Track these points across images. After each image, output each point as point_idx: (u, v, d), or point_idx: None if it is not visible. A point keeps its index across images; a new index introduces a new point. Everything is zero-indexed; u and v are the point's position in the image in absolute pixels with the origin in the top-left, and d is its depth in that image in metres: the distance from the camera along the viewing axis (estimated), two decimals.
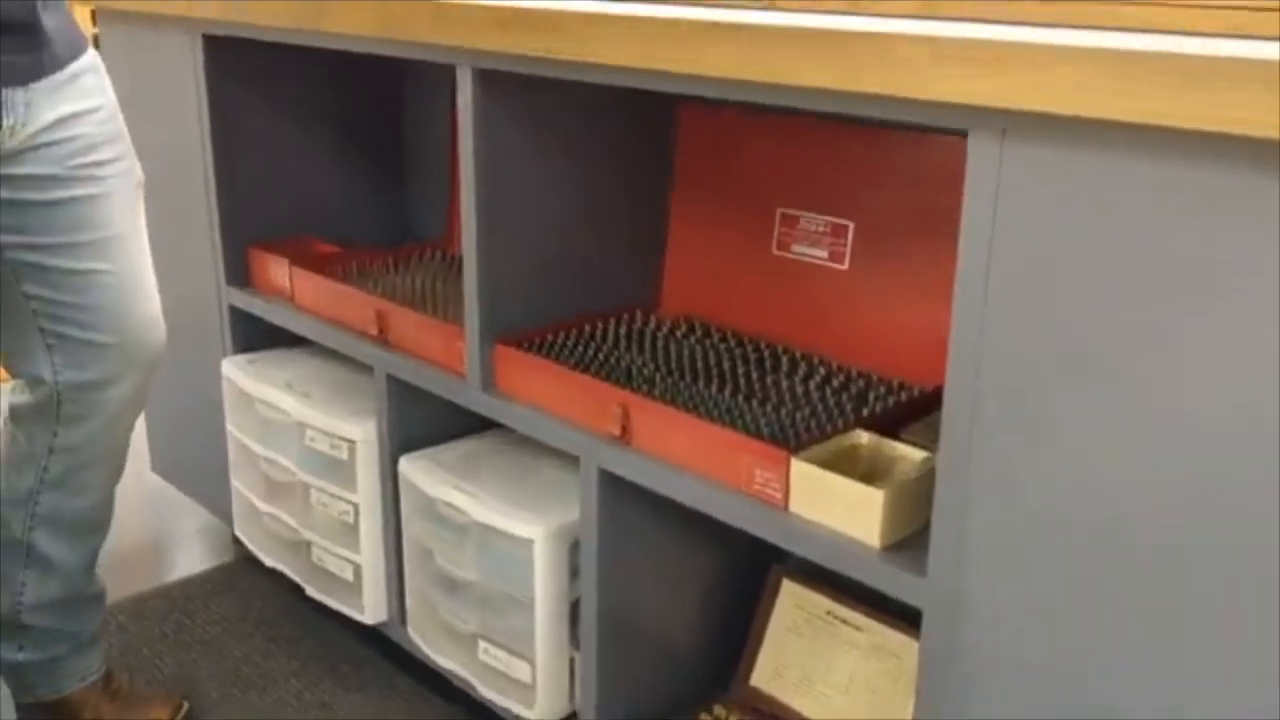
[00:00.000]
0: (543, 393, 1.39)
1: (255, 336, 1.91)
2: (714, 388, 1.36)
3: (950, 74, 0.86)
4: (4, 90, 1.25)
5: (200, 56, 1.76)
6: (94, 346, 1.42)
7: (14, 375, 1.46)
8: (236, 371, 1.86)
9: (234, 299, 1.88)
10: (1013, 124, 0.87)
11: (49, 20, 1.28)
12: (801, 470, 1.14)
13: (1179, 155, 0.79)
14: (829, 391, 1.34)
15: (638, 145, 1.52)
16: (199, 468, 2.10)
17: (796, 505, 1.15)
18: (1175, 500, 0.85)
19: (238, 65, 1.78)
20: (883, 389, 1.34)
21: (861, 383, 1.36)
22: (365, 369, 1.70)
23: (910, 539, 1.11)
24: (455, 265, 1.86)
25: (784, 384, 1.36)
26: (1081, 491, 0.90)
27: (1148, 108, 0.77)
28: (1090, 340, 0.87)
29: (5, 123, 1.26)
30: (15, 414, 1.48)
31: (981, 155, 0.90)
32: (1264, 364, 0.79)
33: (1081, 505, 0.90)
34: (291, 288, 1.78)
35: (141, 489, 2.33)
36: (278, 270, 1.80)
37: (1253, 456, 0.80)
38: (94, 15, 2.08)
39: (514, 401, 1.43)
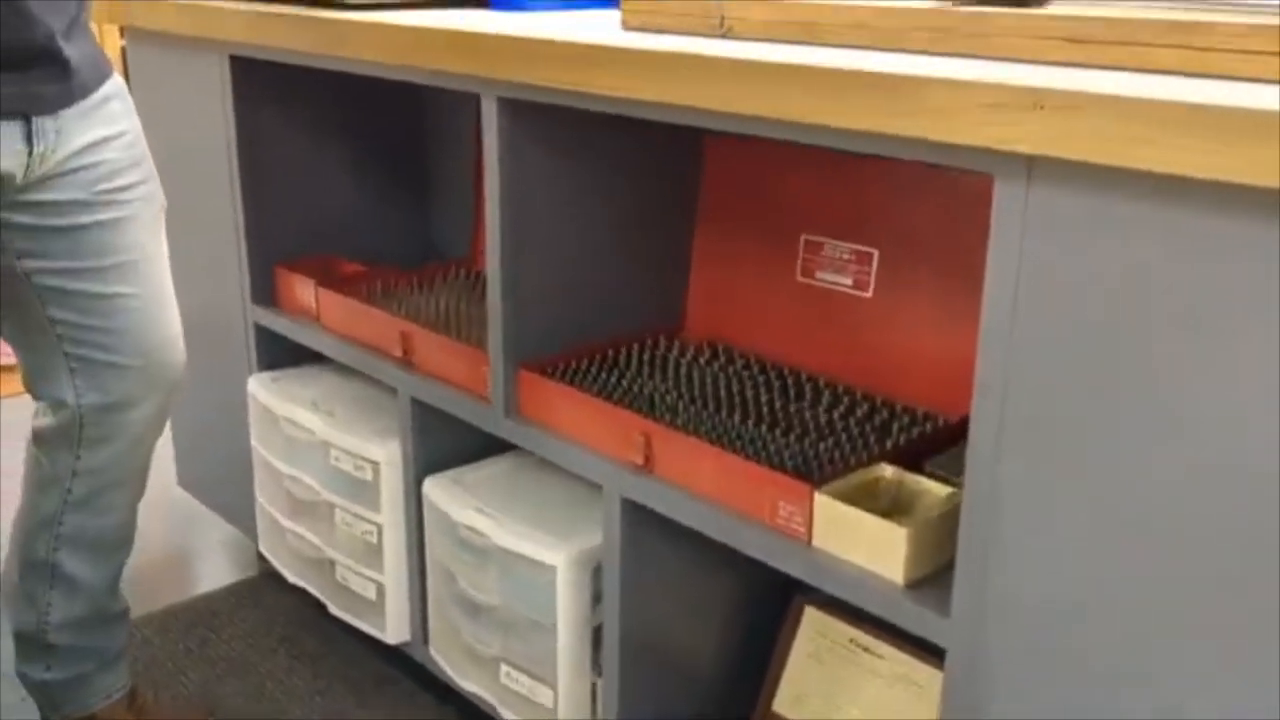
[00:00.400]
0: (566, 419, 1.39)
1: (280, 353, 1.92)
2: (737, 417, 1.36)
3: (976, 120, 0.86)
4: (34, 119, 1.26)
5: (227, 77, 1.77)
6: (116, 369, 1.43)
7: (36, 397, 1.48)
8: (261, 389, 1.86)
9: (259, 317, 1.89)
10: (1038, 169, 0.86)
11: (73, 49, 1.28)
12: (825, 505, 1.14)
13: (1199, 203, 0.79)
14: (853, 421, 1.33)
15: (663, 170, 1.52)
16: (224, 483, 2.11)
17: (820, 539, 1.15)
18: (1207, 539, 0.84)
19: (264, 85, 1.79)
20: (907, 419, 1.34)
21: (885, 412, 1.36)
22: (390, 387, 1.71)
23: (935, 575, 1.10)
24: (479, 284, 1.86)
25: (807, 413, 1.36)
26: (1109, 531, 0.90)
27: (1167, 158, 0.77)
28: (1116, 381, 0.87)
29: (35, 150, 1.27)
30: (38, 437, 1.49)
31: (1007, 198, 0.89)
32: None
33: (1109, 545, 0.90)
34: (317, 308, 1.79)
35: (166, 501, 2.34)
36: (304, 290, 1.81)
37: None
38: (122, 31, 2.10)
39: (538, 427, 1.43)
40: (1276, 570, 0.81)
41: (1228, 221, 0.78)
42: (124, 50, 2.17)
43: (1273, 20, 0.85)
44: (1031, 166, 0.87)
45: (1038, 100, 0.82)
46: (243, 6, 1.65)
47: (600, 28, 1.33)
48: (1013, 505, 0.95)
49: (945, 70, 0.92)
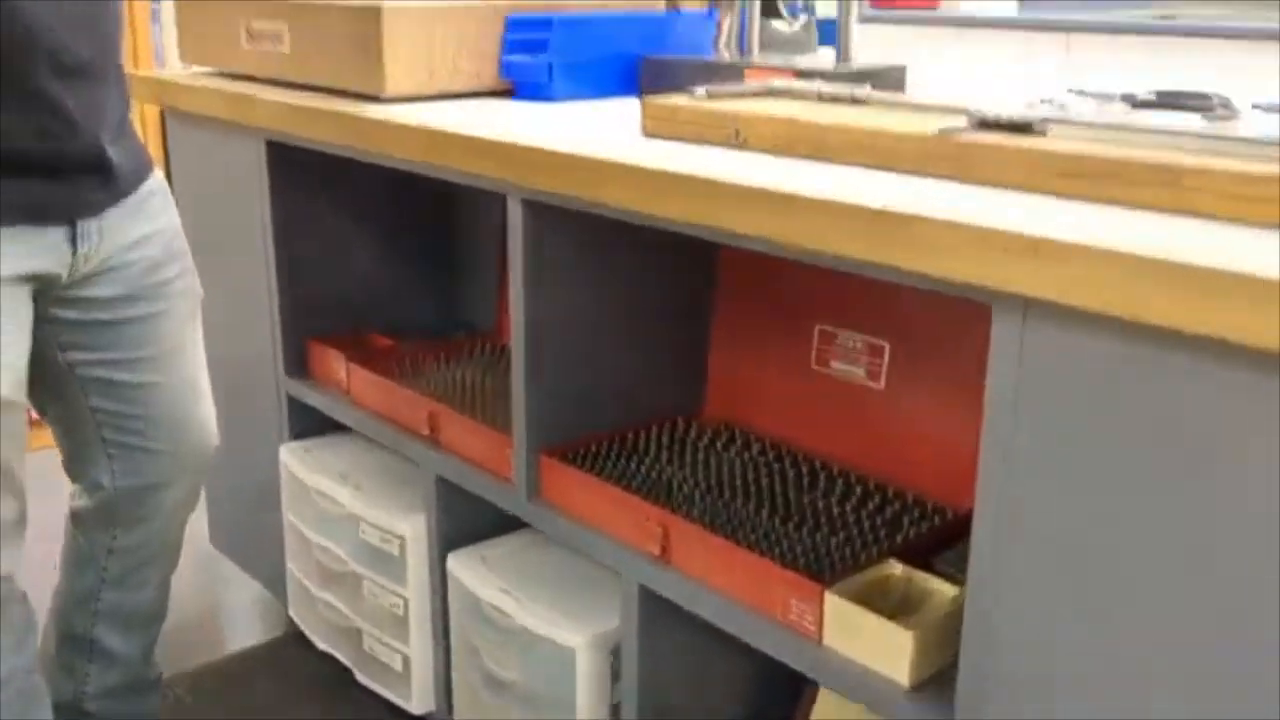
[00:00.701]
0: (586, 506, 1.43)
1: (311, 421, 1.97)
2: (752, 506, 1.39)
3: (971, 259, 0.90)
4: (79, 222, 1.31)
5: (264, 159, 1.83)
6: (151, 454, 1.48)
7: (74, 480, 1.53)
8: (293, 459, 1.92)
9: (292, 389, 1.94)
10: (1032, 306, 0.90)
11: (116, 151, 1.34)
12: (835, 605, 1.18)
13: (1188, 352, 0.82)
14: (864, 514, 1.37)
15: (681, 260, 1.57)
16: (254, 544, 2.16)
17: (830, 638, 1.18)
18: (1208, 648, 0.87)
19: (300, 167, 1.85)
20: (917, 511, 1.37)
21: (896, 504, 1.39)
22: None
23: (940, 675, 1.13)
24: (503, 358, 1.91)
25: (820, 503, 1.39)
26: (1110, 643, 0.93)
27: (1157, 311, 0.80)
28: (1111, 502, 0.90)
29: (80, 251, 1.33)
30: (76, 517, 1.55)
31: (1003, 330, 0.93)
32: (1261, 547, 0.82)
33: (1110, 657, 0.93)
34: (348, 382, 1.84)
35: (197, 556, 2.39)
36: (336, 365, 1.86)
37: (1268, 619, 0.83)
38: (163, 112, 2.16)
39: (559, 513, 1.47)
40: (1275, 669, 0.84)
41: (1216, 371, 0.81)
42: (163, 116, 2.24)
43: (1265, 167, 0.88)
44: (1027, 304, 0.90)
45: (1029, 246, 0.86)
46: (278, 97, 1.71)
47: (621, 130, 1.37)
48: (1013, 612, 0.98)
49: (944, 202, 0.96)
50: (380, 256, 2.04)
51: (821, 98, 1.29)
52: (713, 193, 1.10)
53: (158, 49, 3.31)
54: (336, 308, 1.98)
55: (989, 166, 1.01)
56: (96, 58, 1.27)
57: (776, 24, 2.15)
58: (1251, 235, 0.85)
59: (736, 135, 1.23)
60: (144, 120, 2.91)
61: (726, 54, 1.69)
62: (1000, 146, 1.01)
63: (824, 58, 1.87)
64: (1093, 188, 0.95)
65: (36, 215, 1.26)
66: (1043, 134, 1.04)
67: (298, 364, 1.95)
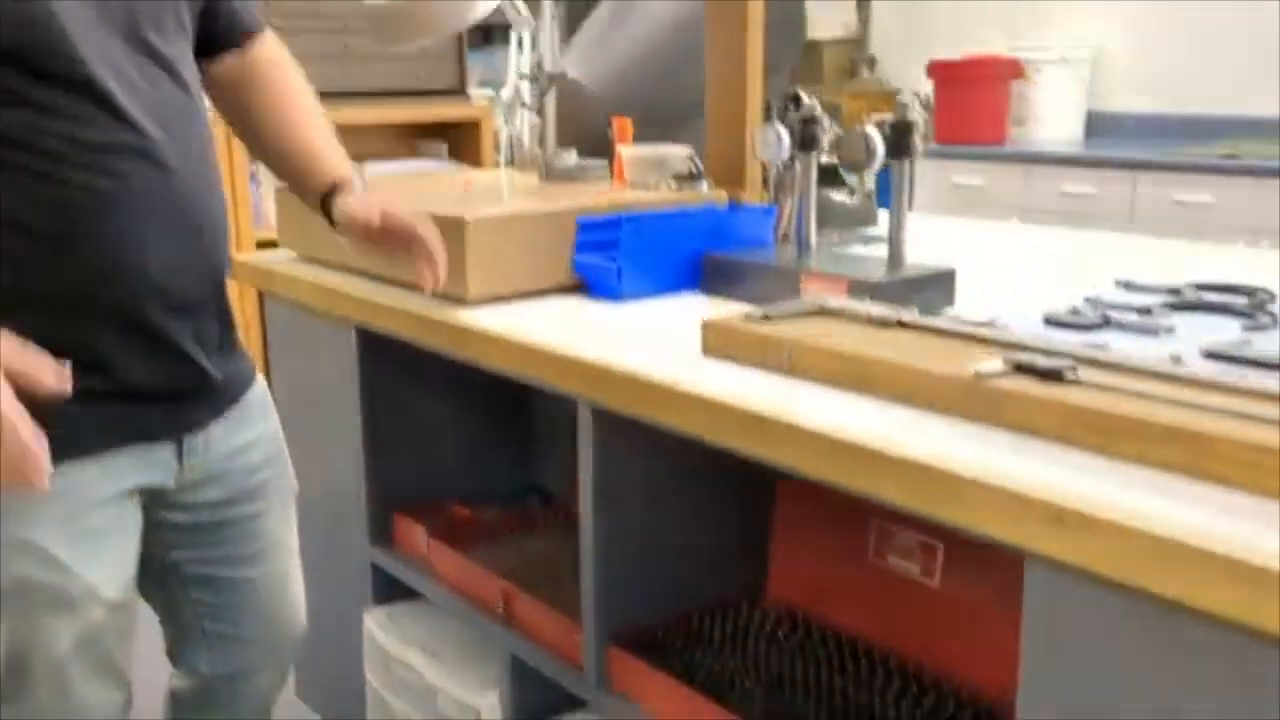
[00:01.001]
0: (653, 700, 1.50)
1: (396, 588, 2.07)
2: (810, 705, 1.45)
3: (1002, 520, 0.97)
4: (185, 439, 1.43)
5: (354, 345, 1.96)
6: (247, 643, 1.59)
7: (173, 664, 1.64)
8: (376, 626, 2.01)
9: (377, 559, 2.04)
10: (1059, 563, 0.96)
11: (222, 371, 1.45)
12: None
13: (1194, 621, 0.88)
14: (919, 715, 1.42)
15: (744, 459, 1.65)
16: (340, 703, 2.25)
17: None
18: None
19: (389, 352, 1.96)
20: (970, 713, 1.42)
21: (951, 704, 1.44)
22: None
23: None
24: (575, 528, 1.99)
25: (876, 703, 1.45)
26: None
27: (1169, 585, 0.86)
28: None
29: (186, 464, 1.44)
30: (174, 697, 1.65)
31: (1034, 579, 1.00)
32: None
33: None
34: (429, 556, 1.94)
35: (286, 707, 2.48)
36: (417, 539, 1.96)
37: None
38: (261, 297, 2.31)
39: (627, 704, 1.54)
40: None
41: (1225, 642, 0.87)
42: (261, 299, 2.39)
43: (1272, 434, 0.94)
44: (1058, 561, 0.97)
45: (1054, 516, 0.93)
46: (368, 292, 1.83)
47: (683, 342, 1.45)
48: None
49: (977, 455, 1.03)
50: (460, 428, 2.14)
51: (870, 320, 1.37)
52: (763, 428, 1.19)
53: (256, 206, 3.51)
54: (419, 479, 2.09)
55: (1022, 415, 1.08)
56: (207, 297, 1.39)
57: (837, 197, 2.25)
58: (1260, 506, 0.91)
59: (788, 361, 1.31)
60: (243, 297, 3.07)
61: (785, 249, 1.79)
62: (1031, 398, 1.08)
63: (880, 240, 1.96)
64: (1117, 445, 1.02)
65: (145, 436, 1.37)
66: (1075, 382, 1.11)
67: (382, 534, 2.05)
